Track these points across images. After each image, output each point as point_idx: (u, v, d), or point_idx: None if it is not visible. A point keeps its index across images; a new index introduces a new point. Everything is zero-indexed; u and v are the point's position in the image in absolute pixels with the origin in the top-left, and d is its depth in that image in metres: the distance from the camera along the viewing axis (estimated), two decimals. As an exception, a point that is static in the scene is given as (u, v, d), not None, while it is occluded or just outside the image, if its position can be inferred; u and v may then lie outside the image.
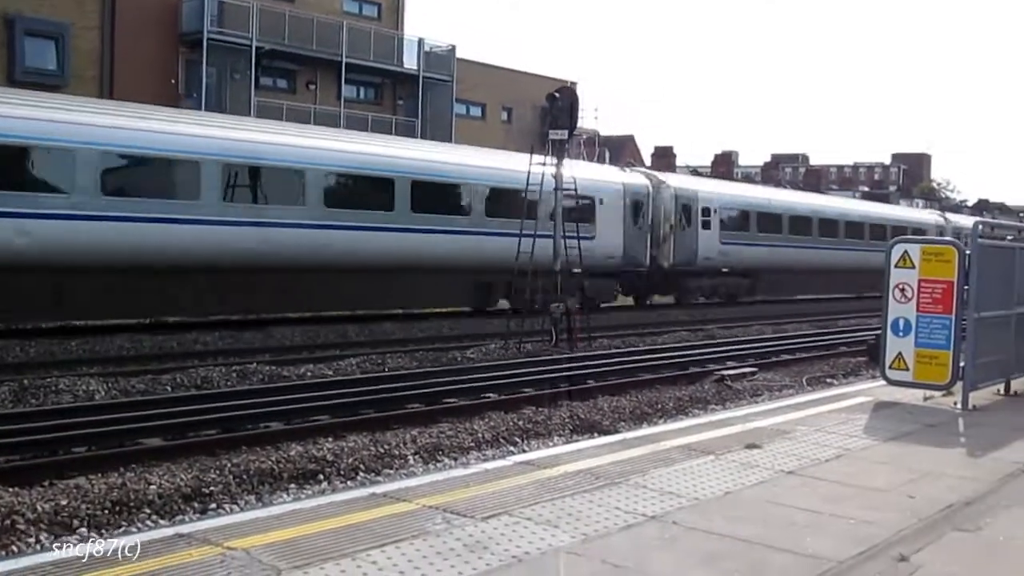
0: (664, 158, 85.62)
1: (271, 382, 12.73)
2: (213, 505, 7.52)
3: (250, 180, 19.25)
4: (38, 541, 6.43)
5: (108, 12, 31.12)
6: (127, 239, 17.00)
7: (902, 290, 9.58)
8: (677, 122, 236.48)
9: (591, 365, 14.93)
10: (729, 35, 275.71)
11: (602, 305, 25.25)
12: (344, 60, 36.52)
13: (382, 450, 9.05)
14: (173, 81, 32.71)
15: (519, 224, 18.30)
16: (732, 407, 11.68)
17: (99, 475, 7.83)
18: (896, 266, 9.62)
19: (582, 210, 21.96)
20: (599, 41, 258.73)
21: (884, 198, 70.83)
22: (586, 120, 47.81)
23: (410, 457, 9.06)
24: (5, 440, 8.52)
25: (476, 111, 45.17)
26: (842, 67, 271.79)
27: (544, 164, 18.46)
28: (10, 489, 7.16)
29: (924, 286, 9.47)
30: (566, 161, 18.91)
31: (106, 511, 6.98)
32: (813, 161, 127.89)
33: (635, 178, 29.31)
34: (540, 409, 11.40)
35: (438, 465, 8.96)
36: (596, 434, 9.98)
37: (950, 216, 49.18)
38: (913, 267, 9.51)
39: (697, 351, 17.40)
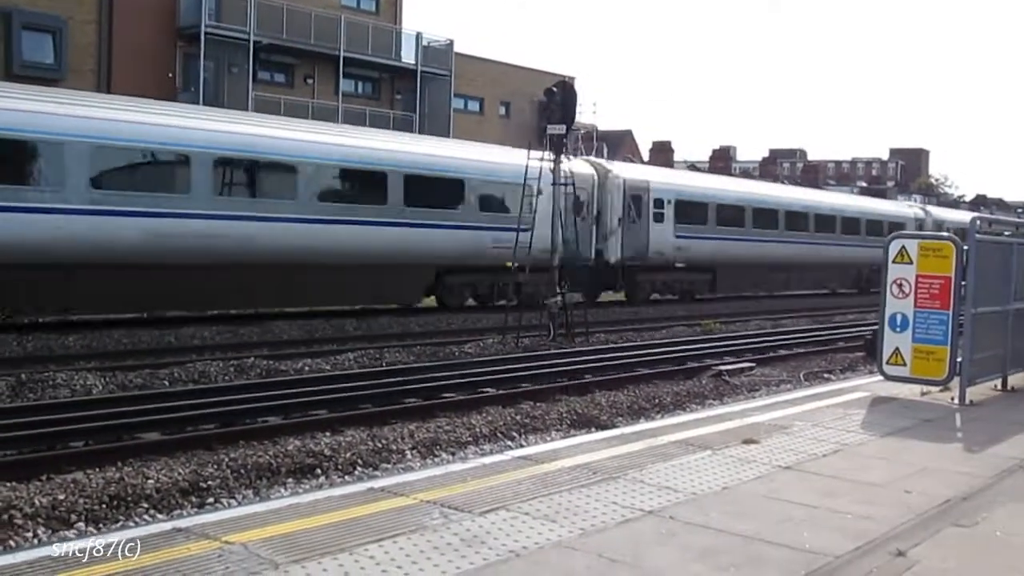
0: (662, 153, 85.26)
1: (269, 377, 12.74)
2: (211, 499, 7.52)
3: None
4: (36, 535, 6.43)
5: (106, 6, 31.10)
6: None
7: (900, 286, 9.59)
8: (676, 117, 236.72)
9: (589, 360, 14.94)
10: (728, 31, 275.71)
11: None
12: (342, 54, 36.52)
13: (380, 445, 9.04)
14: (171, 75, 32.70)
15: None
16: (729, 402, 11.69)
17: (97, 469, 7.84)
18: (894, 261, 9.63)
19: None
20: (598, 36, 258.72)
21: (882, 193, 70.69)
22: (584, 115, 47.69)
23: (408, 452, 9.06)
24: (3, 435, 8.54)
25: (474, 106, 45.17)
26: (841, 62, 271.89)
27: (541, 159, 18.42)
28: (8, 483, 7.17)
29: (922, 282, 9.48)
30: (502, 148, 18.57)
31: (104, 505, 6.98)
32: (811, 156, 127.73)
33: (579, 167, 26.49)
34: (538, 404, 11.42)
35: (436, 460, 8.95)
36: (594, 429, 9.98)
37: (931, 210, 48.22)
38: (911, 263, 9.52)
39: (695, 346, 17.41)
